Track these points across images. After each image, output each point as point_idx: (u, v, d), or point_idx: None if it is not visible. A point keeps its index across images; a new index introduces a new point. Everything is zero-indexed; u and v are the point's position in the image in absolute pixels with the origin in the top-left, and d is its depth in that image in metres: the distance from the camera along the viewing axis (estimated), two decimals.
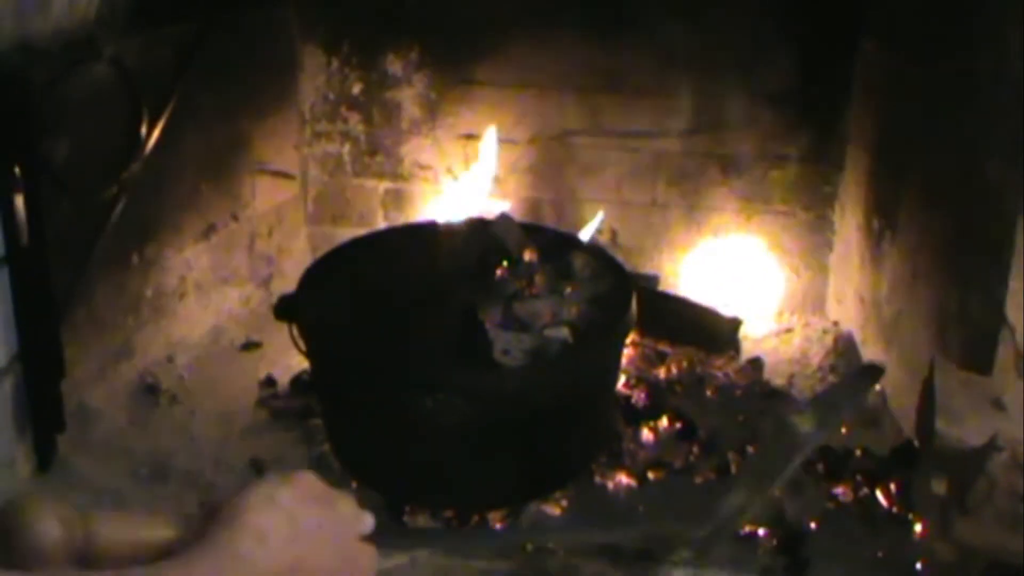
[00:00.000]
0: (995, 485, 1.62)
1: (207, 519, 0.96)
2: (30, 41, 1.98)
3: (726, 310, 2.78)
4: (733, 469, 2.21)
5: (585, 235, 2.81)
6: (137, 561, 0.95)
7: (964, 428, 1.73)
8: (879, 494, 2.09)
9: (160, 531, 0.99)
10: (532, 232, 2.41)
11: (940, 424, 1.74)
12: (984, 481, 1.63)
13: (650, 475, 2.21)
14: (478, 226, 2.43)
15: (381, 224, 3.05)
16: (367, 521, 1.06)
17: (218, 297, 2.76)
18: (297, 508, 0.98)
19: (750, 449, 2.24)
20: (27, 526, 0.93)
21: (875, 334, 2.56)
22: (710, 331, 2.72)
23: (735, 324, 2.75)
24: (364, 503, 1.07)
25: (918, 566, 1.86)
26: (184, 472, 2.21)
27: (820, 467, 2.17)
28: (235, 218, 2.79)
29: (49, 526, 0.94)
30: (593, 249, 2.43)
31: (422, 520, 2.07)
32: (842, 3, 2.68)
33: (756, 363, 2.67)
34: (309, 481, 1.02)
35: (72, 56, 2.09)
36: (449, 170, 2.99)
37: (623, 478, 2.20)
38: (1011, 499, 1.62)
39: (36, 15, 2.01)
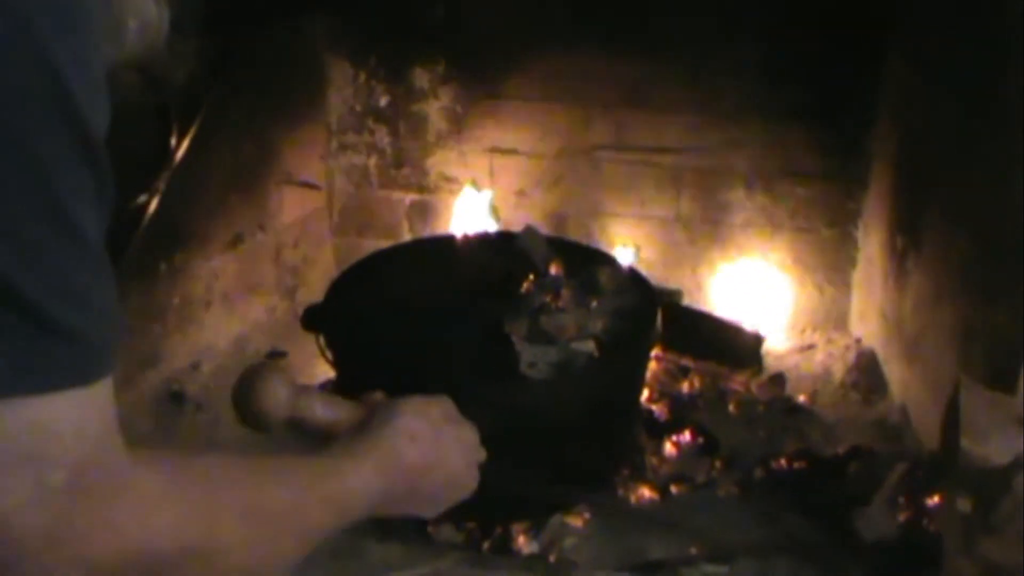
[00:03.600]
0: (1020, 504, 1.62)
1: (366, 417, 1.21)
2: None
3: (749, 326, 2.78)
4: None
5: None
6: (330, 436, 1.22)
7: (989, 446, 1.72)
8: None
9: (349, 415, 1.23)
10: (558, 245, 2.43)
11: (965, 442, 1.74)
12: (1009, 500, 1.63)
13: (672, 489, 2.22)
14: (504, 239, 2.44)
15: (406, 236, 3.07)
16: (483, 453, 1.34)
17: (244, 306, 2.78)
18: (439, 422, 1.25)
19: (773, 463, 2.25)
20: (263, 390, 1.17)
21: (898, 351, 2.56)
22: (733, 346, 2.72)
23: (758, 340, 2.75)
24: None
25: None
26: None
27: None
28: (262, 228, 2.81)
29: (280, 393, 1.18)
30: (619, 263, 2.44)
31: (446, 532, 2.08)
32: (868, 20, 2.68)
33: (778, 379, 2.67)
34: (448, 405, 1.31)
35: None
36: (475, 183, 3.01)
37: (645, 492, 2.21)
38: None
39: (110, 47, 2.02)
